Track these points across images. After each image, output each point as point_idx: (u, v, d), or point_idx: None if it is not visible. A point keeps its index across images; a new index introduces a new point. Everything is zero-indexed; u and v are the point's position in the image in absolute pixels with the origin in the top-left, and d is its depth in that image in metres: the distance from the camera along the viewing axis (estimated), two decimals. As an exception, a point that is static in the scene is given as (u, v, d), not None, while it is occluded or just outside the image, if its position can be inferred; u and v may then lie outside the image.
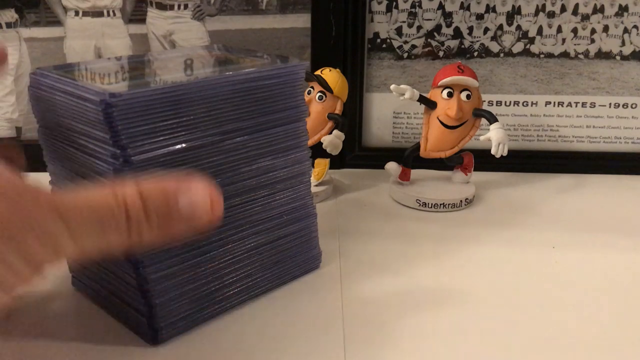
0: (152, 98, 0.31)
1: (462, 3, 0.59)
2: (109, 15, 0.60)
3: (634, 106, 0.62)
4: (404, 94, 0.52)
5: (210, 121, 0.33)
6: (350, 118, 0.60)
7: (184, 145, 0.33)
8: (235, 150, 0.35)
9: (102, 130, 0.31)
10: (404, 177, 0.55)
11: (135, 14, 0.60)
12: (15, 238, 0.23)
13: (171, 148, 0.32)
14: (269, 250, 0.39)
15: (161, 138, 0.32)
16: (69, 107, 0.32)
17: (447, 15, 0.60)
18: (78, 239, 0.24)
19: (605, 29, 0.60)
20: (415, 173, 0.56)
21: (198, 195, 0.26)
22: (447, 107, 0.52)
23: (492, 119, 0.52)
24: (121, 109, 0.30)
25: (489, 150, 0.51)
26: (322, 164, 0.55)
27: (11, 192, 0.24)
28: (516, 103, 0.62)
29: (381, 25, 0.60)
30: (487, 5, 0.59)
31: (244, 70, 0.35)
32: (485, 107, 0.60)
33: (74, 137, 0.33)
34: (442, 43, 0.61)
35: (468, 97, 0.52)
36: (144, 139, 0.31)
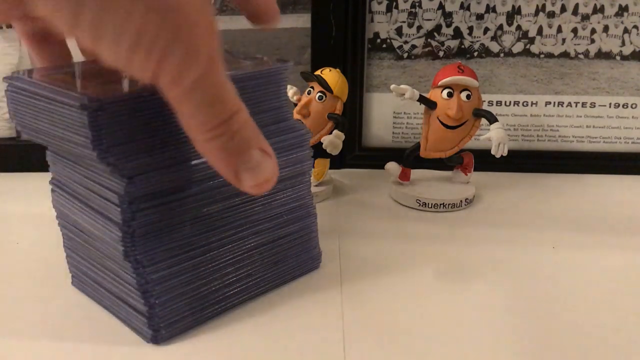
0: (135, 103, 0.30)
1: (462, 3, 0.59)
2: (109, 15, 0.59)
3: (634, 106, 0.62)
4: (404, 94, 0.52)
5: None
6: (350, 118, 0.60)
7: (169, 149, 0.32)
8: None
9: (84, 135, 0.30)
10: (404, 177, 0.55)
11: (135, 14, 0.60)
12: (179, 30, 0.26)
13: (156, 152, 0.32)
14: (269, 250, 0.39)
15: (145, 142, 0.31)
16: (50, 112, 0.31)
17: (447, 15, 0.60)
18: (193, 85, 0.27)
19: (605, 29, 0.60)
20: (415, 173, 0.56)
21: (270, 165, 0.31)
22: (447, 107, 0.52)
23: (492, 119, 0.52)
24: (105, 113, 0.29)
25: (489, 150, 0.51)
26: (322, 164, 0.55)
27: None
28: (516, 103, 0.62)
29: (381, 25, 0.60)
30: (487, 5, 0.59)
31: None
32: (485, 107, 0.60)
33: (57, 144, 0.32)
34: (442, 43, 0.61)
35: (468, 97, 0.52)
36: (126, 142, 0.30)
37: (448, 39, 0.60)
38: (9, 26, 0.59)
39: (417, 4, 0.59)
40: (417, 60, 0.61)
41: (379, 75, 0.62)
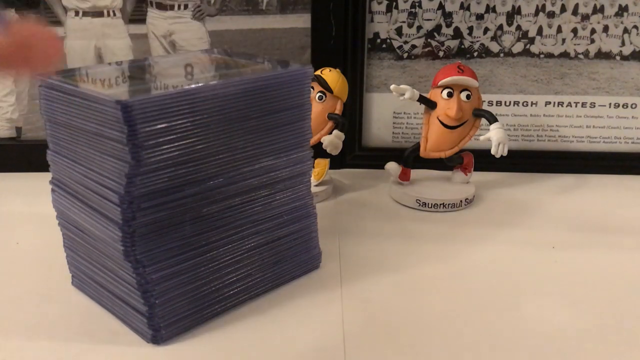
0: (169, 101, 0.31)
1: (462, 3, 0.59)
2: (109, 15, 0.60)
3: (634, 106, 0.62)
4: (404, 94, 0.52)
5: (220, 121, 0.34)
6: (350, 118, 0.60)
7: (194, 145, 0.33)
8: (241, 148, 0.35)
9: (119, 130, 0.31)
10: (404, 177, 0.55)
11: (135, 14, 0.60)
12: None
13: (181, 147, 0.33)
14: (269, 250, 0.39)
15: (173, 137, 0.32)
16: (84, 110, 0.32)
17: (447, 15, 0.60)
18: None
19: (605, 29, 0.60)
20: (415, 173, 0.56)
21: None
22: (447, 107, 0.52)
23: (492, 119, 0.52)
24: (141, 112, 0.30)
25: (489, 150, 0.51)
26: (322, 164, 0.55)
27: None
28: (516, 103, 0.62)
29: (381, 25, 0.60)
30: (487, 5, 0.59)
31: (255, 75, 0.35)
32: (485, 107, 0.60)
33: (84, 138, 0.33)
34: (442, 43, 0.61)
35: (468, 97, 0.52)
36: (157, 139, 0.31)
37: (448, 39, 0.60)
38: (9, 26, 0.59)
39: (417, 4, 0.59)
40: (417, 60, 0.61)
41: (379, 75, 0.62)
